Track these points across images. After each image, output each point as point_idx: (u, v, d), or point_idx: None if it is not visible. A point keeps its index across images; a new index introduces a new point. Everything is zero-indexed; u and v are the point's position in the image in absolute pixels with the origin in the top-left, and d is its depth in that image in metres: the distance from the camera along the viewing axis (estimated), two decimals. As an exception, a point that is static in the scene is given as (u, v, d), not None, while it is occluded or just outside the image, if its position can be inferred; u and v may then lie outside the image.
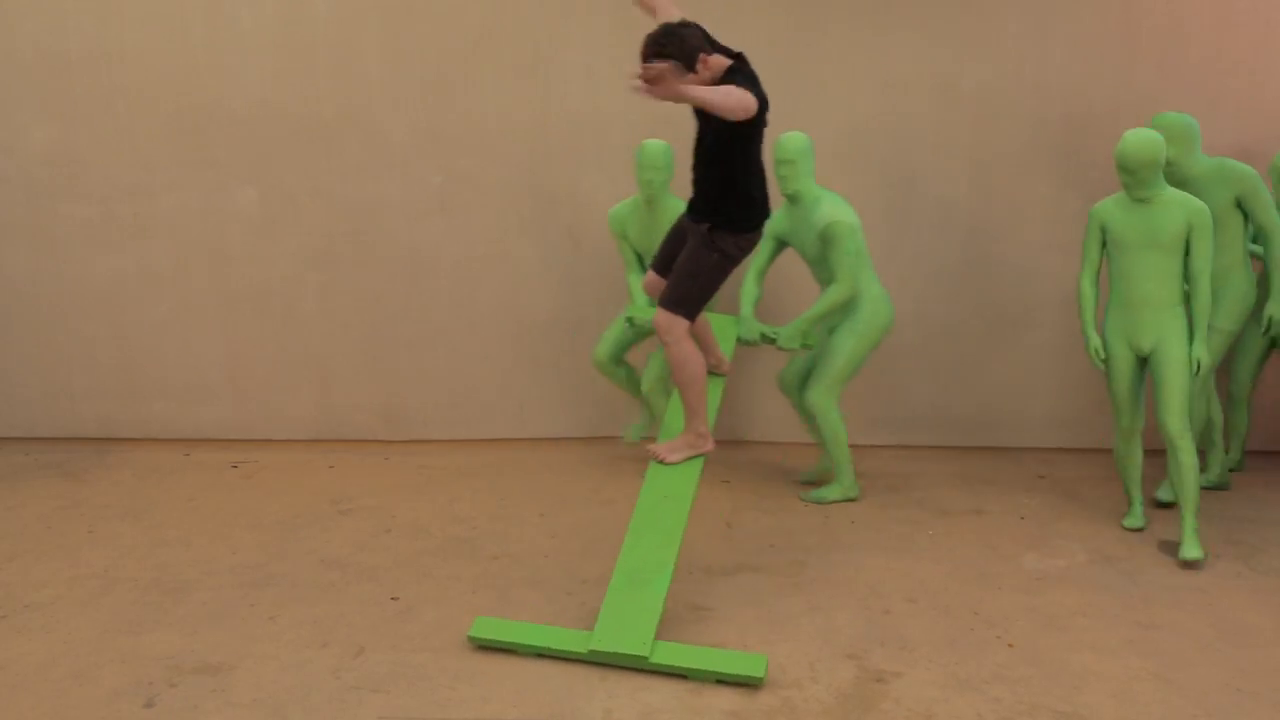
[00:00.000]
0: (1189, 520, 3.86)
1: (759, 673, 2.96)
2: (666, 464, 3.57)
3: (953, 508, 4.47)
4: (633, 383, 4.92)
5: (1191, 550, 3.79)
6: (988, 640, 3.25)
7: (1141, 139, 3.77)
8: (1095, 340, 4.07)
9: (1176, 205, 3.83)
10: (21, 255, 5.32)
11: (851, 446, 5.33)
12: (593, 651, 3.02)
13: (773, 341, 4.30)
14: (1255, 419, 5.13)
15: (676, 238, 3.61)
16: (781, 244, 4.53)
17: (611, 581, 3.23)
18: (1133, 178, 3.82)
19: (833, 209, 4.25)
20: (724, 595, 3.57)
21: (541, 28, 5.06)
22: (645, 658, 2.99)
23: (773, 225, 4.47)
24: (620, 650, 3.00)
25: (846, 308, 4.35)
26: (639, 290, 4.67)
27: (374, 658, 3.13)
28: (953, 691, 2.93)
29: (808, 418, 4.61)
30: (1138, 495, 4.20)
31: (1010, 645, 3.21)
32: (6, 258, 5.33)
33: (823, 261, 4.36)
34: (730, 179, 3.35)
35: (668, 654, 3.03)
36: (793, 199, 4.36)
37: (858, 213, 5.17)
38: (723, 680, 2.98)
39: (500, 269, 5.27)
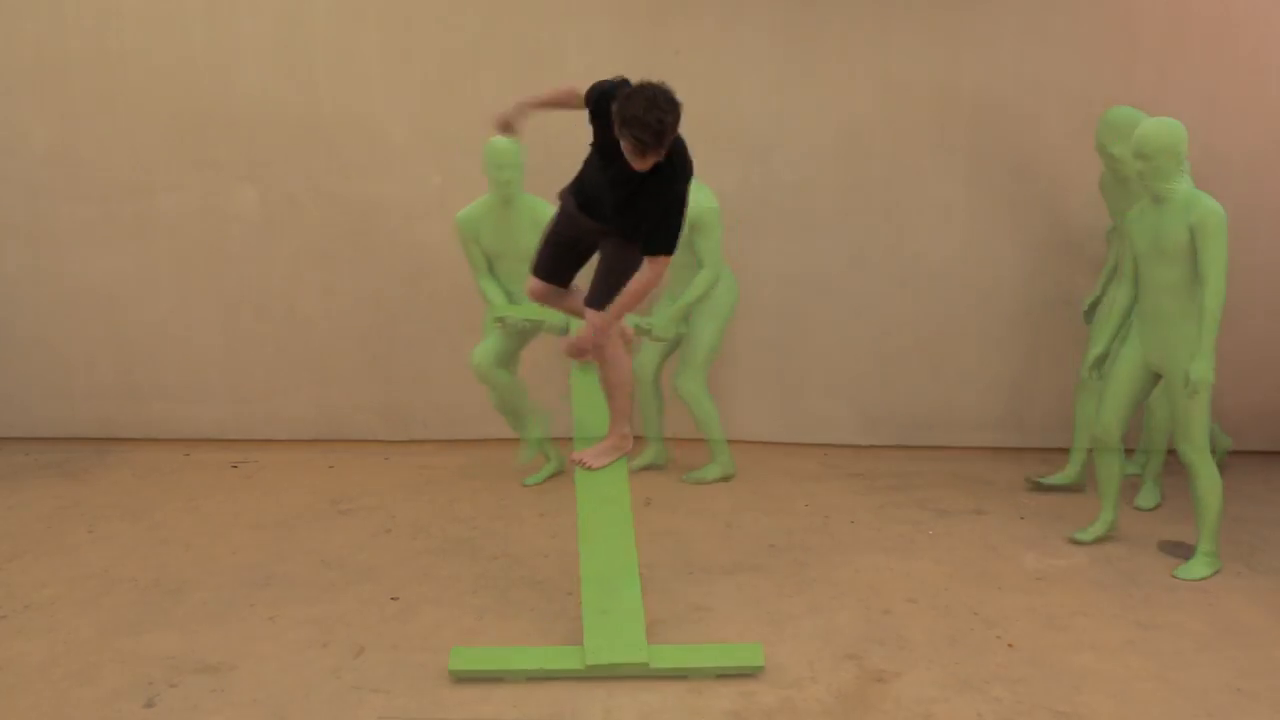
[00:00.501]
0: (1203, 544, 3.75)
1: (758, 661, 2.99)
2: (593, 470, 3.57)
3: (953, 508, 4.47)
4: (514, 392, 4.59)
5: (1196, 571, 3.72)
6: (988, 640, 3.25)
7: (1159, 123, 3.60)
8: (1094, 351, 3.97)
9: (1180, 207, 3.59)
10: (21, 255, 5.32)
11: (851, 447, 5.36)
12: (590, 667, 2.98)
13: (647, 332, 4.35)
14: (1255, 419, 5.13)
15: (575, 244, 3.47)
16: None
17: (583, 594, 3.18)
18: (1149, 164, 3.60)
19: (703, 197, 4.40)
20: (724, 595, 3.57)
21: (542, 28, 5.06)
22: (646, 664, 2.97)
23: None
24: (618, 661, 2.98)
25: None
26: (496, 292, 4.50)
27: (374, 658, 3.13)
28: (953, 691, 2.93)
29: (657, 408, 4.80)
30: (1108, 506, 4.04)
31: (1010, 645, 3.21)
32: (6, 258, 5.33)
33: (684, 248, 4.41)
34: None
35: (666, 657, 3.03)
36: None
37: (858, 212, 5.19)
38: (724, 674, 2.98)
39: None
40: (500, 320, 4.37)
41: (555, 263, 3.52)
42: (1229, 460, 4.91)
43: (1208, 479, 3.71)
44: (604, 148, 3.18)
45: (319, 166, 5.18)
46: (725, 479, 4.78)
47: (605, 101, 3.05)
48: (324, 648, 3.19)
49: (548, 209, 4.37)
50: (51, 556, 3.92)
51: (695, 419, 4.68)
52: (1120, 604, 3.51)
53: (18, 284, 5.36)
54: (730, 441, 5.38)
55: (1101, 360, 4.02)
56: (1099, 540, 4.03)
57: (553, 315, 4.28)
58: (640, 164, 3.00)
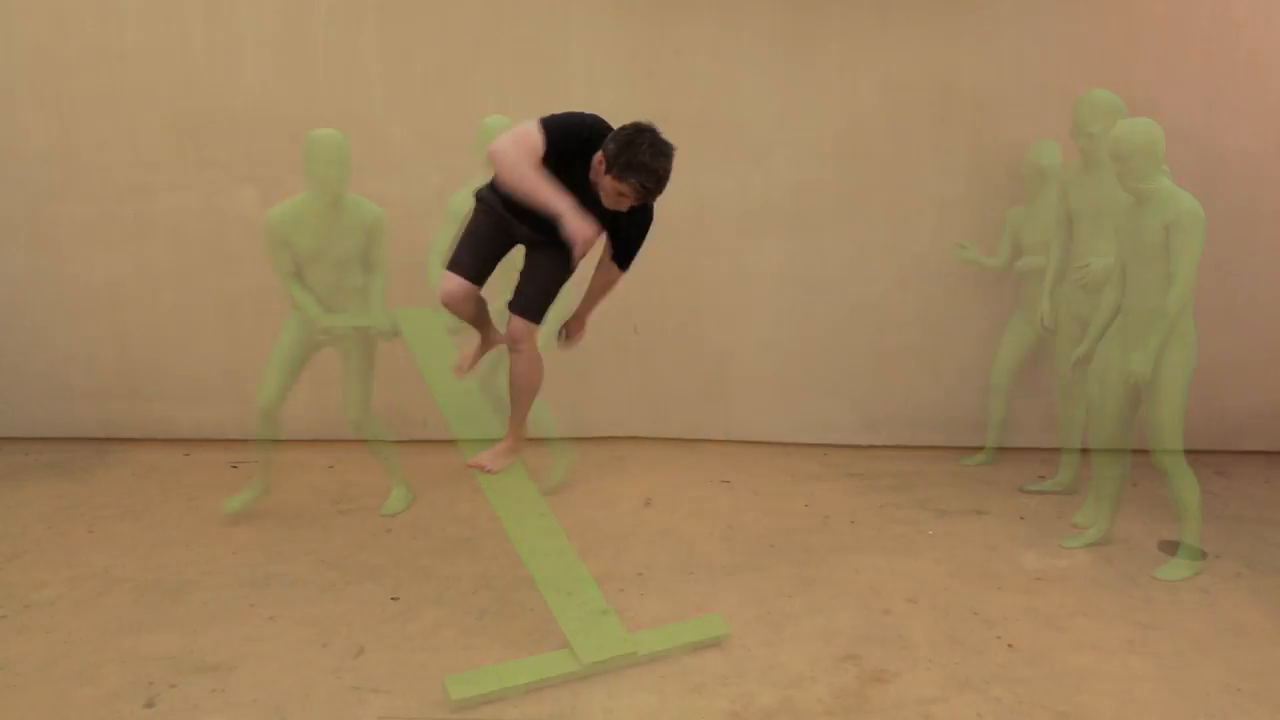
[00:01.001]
0: (1187, 544, 3.77)
1: (723, 629, 3.22)
2: (491, 474, 3.58)
3: (953, 508, 4.47)
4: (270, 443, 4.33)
5: (1179, 571, 3.73)
6: (988, 640, 3.25)
7: (1135, 124, 3.61)
8: (1079, 351, 4.02)
9: (1159, 205, 3.58)
10: (21, 255, 5.32)
11: (851, 447, 5.36)
12: (588, 666, 3.02)
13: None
14: (1255, 419, 5.13)
15: (495, 241, 3.29)
16: None
17: (549, 600, 3.24)
18: (1124, 166, 3.61)
19: None
20: (724, 595, 3.57)
21: (541, 28, 5.06)
22: (635, 653, 3.08)
23: (465, 208, 4.40)
24: (610, 655, 3.05)
25: None
26: (310, 301, 4.16)
27: (374, 658, 3.13)
28: (953, 691, 2.93)
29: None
30: (1103, 513, 4.04)
31: (1010, 645, 3.21)
32: (6, 258, 5.33)
33: None
34: None
35: (646, 641, 3.15)
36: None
37: (858, 212, 5.19)
38: (698, 646, 3.16)
39: (499, 269, 5.26)
40: (326, 331, 4.11)
41: (476, 259, 3.28)
42: (1229, 460, 4.93)
43: (1185, 481, 3.72)
44: (564, 170, 2.99)
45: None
46: (567, 478, 4.72)
47: (586, 133, 2.96)
48: (324, 648, 3.19)
49: (375, 212, 4.24)
50: (51, 556, 3.92)
51: (543, 424, 4.52)
52: (1120, 604, 3.51)
53: (18, 284, 5.36)
54: (730, 442, 5.40)
55: (1085, 360, 4.04)
56: (1091, 545, 4.03)
57: (380, 319, 4.18)
58: (625, 206, 2.94)
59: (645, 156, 2.81)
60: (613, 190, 2.91)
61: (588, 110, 3.11)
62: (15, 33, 5.11)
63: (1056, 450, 5.25)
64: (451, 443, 5.40)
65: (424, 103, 5.11)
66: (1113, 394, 3.87)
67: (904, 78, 5.02)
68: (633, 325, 5.37)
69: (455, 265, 3.29)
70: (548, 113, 3.05)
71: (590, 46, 5.04)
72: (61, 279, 5.34)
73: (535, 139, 2.93)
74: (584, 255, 2.95)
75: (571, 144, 2.96)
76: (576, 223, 2.88)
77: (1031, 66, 4.96)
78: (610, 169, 2.86)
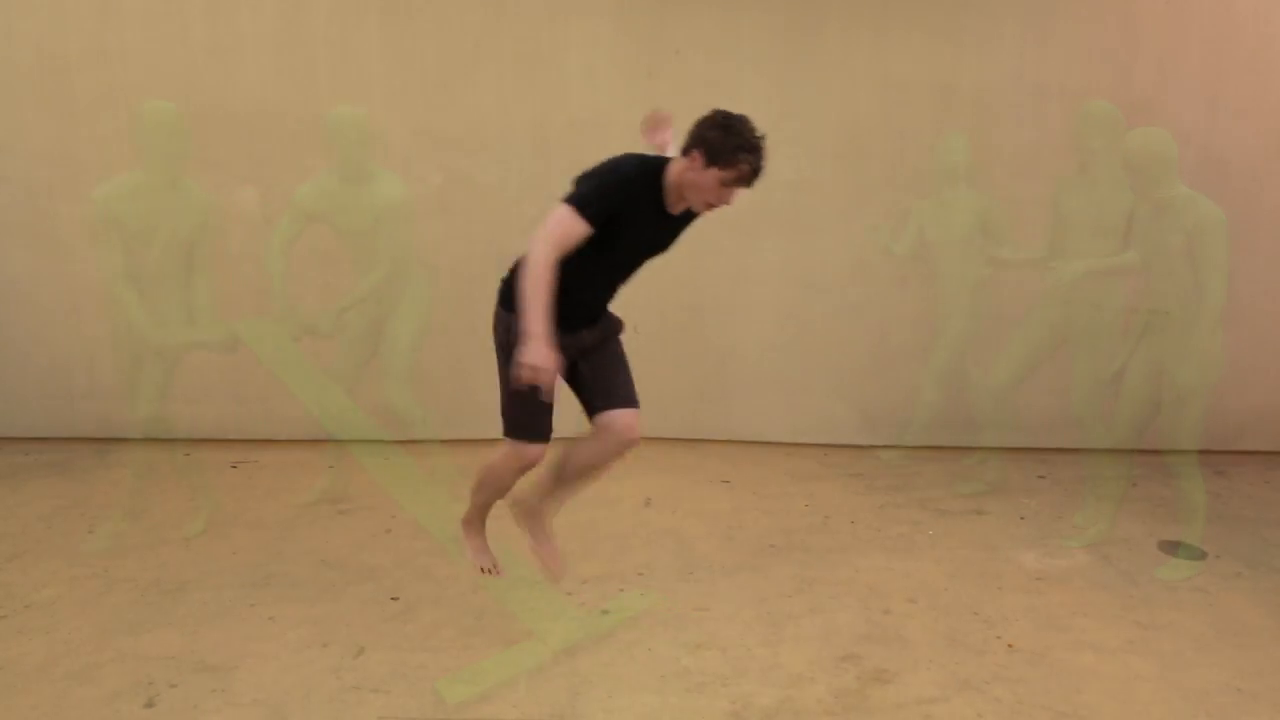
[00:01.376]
0: (1190, 543, 3.79)
1: (651, 599, 3.47)
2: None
3: (953, 508, 4.47)
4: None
5: (1171, 572, 3.74)
6: (988, 640, 3.25)
7: (1145, 135, 3.60)
8: (1113, 366, 3.97)
9: (1177, 212, 3.55)
10: (21, 255, 5.32)
11: (851, 446, 5.35)
12: (565, 650, 3.15)
13: (314, 331, 4.26)
14: (1255, 419, 5.13)
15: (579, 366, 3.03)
16: (309, 222, 4.31)
17: (503, 598, 3.42)
18: (1139, 177, 3.60)
19: (401, 188, 4.23)
20: (724, 595, 3.57)
21: (541, 28, 5.06)
22: (598, 630, 3.27)
23: (310, 203, 4.25)
24: (580, 636, 3.21)
25: (394, 292, 4.29)
26: (143, 313, 3.86)
27: (374, 658, 3.13)
28: (953, 691, 2.93)
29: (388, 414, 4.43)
30: (1105, 513, 4.05)
31: (1010, 645, 3.21)
32: (6, 258, 5.33)
33: (370, 241, 4.22)
34: None
35: (605, 621, 3.35)
36: (352, 179, 4.22)
37: (858, 212, 5.19)
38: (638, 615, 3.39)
39: (500, 269, 5.26)
40: (159, 351, 3.84)
41: (546, 412, 2.97)
42: (1229, 460, 4.92)
43: (1196, 482, 3.75)
44: (625, 221, 2.79)
45: (319, 166, 5.17)
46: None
47: (629, 173, 2.78)
48: (324, 648, 3.19)
49: (211, 199, 3.97)
50: (51, 556, 3.92)
51: (412, 425, 4.44)
52: (1120, 604, 3.51)
53: (18, 284, 5.36)
54: (730, 442, 5.39)
55: (1120, 374, 3.99)
56: (1091, 545, 4.03)
57: (217, 331, 4.02)
58: (728, 199, 2.79)
59: (749, 133, 2.70)
60: (715, 183, 2.73)
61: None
62: (15, 33, 5.11)
63: (1057, 450, 5.26)
64: (451, 442, 5.41)
65: (424, 103, 5.11)
66: (1131, 397, 3.88)
67: (904, 78, 5.02)
68: (633, 325, 5.37)
69: (536, 435, 2.98)
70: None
71: (590, 46, 5.04)
72: (61, 279, 5.34)
73: (571, 228, 2.71)
74: (532, 380, 2.65)
75: (625, 195, 2.77)
76: (534, 349, 2.63)
77: (1031, 67, 4.96)
78: (715, 160, 2.69)
